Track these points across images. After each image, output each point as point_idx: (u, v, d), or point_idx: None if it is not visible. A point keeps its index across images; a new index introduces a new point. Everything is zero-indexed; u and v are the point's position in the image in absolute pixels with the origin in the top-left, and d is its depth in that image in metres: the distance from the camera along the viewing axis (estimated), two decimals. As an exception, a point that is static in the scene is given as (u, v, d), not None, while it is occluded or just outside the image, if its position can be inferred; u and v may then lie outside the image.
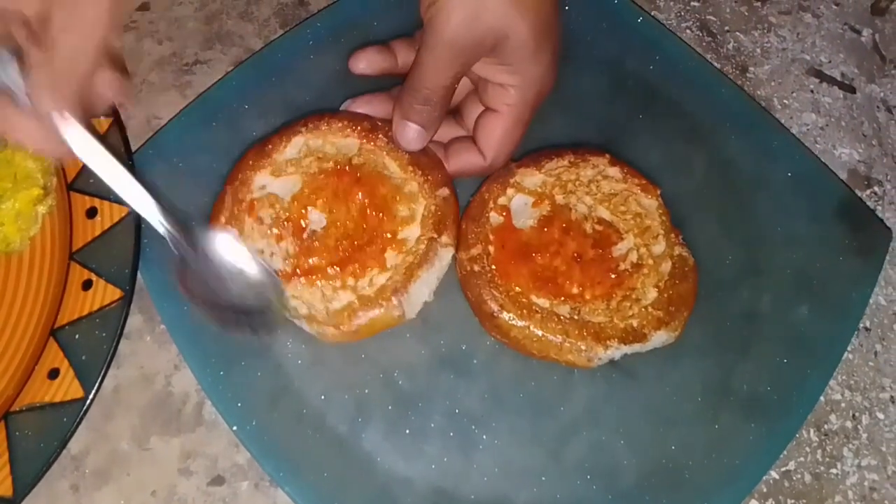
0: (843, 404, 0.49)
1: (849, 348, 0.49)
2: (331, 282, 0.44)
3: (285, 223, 0.45)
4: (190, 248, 0.40)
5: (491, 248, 0.46)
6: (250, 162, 0.46)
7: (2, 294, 0.45)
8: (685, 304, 0.45)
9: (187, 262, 0.40)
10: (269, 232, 0.45)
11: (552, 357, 0.44)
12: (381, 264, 0.44)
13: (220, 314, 0.42)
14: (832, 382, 0.49)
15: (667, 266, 0.46)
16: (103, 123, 0.47)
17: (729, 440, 0.45)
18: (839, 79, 0.59)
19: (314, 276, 0.44)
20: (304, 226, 0.45)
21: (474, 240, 0.46)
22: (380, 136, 0.47)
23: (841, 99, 0.58)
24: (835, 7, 0.61)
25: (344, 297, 0.43)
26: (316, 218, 0.45)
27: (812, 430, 0.48)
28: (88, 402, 0.42)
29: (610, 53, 0.54)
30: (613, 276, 0.45)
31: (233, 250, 0.41)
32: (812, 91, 0.58)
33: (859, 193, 0.54)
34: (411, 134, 0.45)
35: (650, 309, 0.45)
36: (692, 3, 0.60)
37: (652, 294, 0.45)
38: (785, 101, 0.58)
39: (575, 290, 0.45)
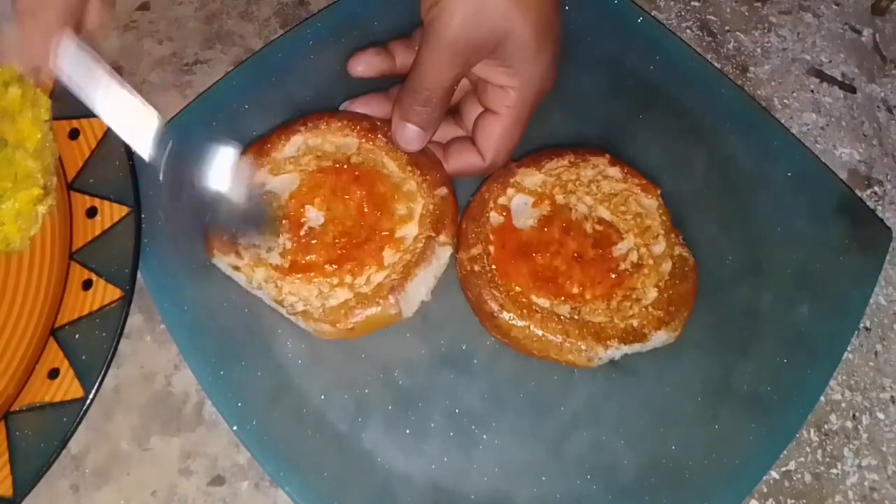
0: (843, 404, 0.49)
1: (849, 348, 0.49)
2: (328, 279, 0.44)
3: (283, 221, 0.45)
4: (183, 168, 0.40)
5: (491, 248, 0.46)
6: (249, 159, 0.46)
7: (2, 294, 0.45)
8: (685, 303, 0.45)
9: (182, 185, 0.40)
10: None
11: (552, 357, 0.44)
12: (378, 262, 0.44)
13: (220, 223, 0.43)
14: (832, 382, 0.49)
15: (667, 266, 0.46)
16: (103, 123, 0.47)
17: (729, 440, 0.45)
18: (839, 79, 0.59)
19: (311, 273, 0.44)
20: (301, 223, 0.45)
21: (474, 239, 0.46)
22: (379, 135, 0.47)
23: (841, 99, 0.58)
24: (835, 7, 0.61)
25: (341, 295, 0.43)
26: (314, 215, 0.45)
27: (812, 430, 0.48)
28: (88, 401, 0.42)
29: (610, 53, 0.54)
30: (613, 275, 0.45)
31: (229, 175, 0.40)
32: (812, 91, 0.58)
33: (859, 193, 0.54)
34: (410, 134, 0.45)
35: (650, 309, 0.45)
36: (692, 3, 0.60)
37: (652, 294, 0.45)
38: (785, 100, 0.58)
39: (575, 290, 0.45)
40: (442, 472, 0.43)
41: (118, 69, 0.53)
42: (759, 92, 0.58)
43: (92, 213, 0.46)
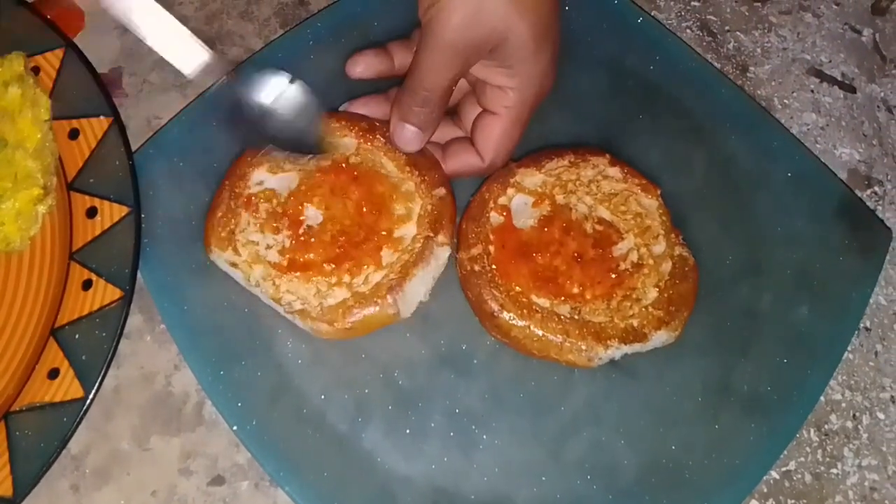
0: (843, 404, 0.49)
1: (849, 348, 0.49)
2: (326, 278, 0.44)
3: (282, 218, 0.45)
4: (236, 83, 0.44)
5: (491, 248, 0.46)
6: (248, 159, 0.47)
7: (2, 294, 0.45)
8: (685, 303, 0.45)
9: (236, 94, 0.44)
10: (265, 226, 0.45)
11: (552, 357, 0.44)
12: (376, 262, 0.44)
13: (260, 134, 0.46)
14: (832, 382, 0.49)
15: (667, 266, 0.46)
16: (103, 123, 0.47)
17: (729, 440, 0.45)
18: (839, 78, 0.59)
19: (310, 272, 0.44)
20: (300, 221, 0.45)
21: (475, 239, 0.46)
22: (377, 136, 0.47)
23: (841, 99, 0.58)
24: (835, 7, 0.61)
25: (339, 294, 0.43)
26: (312, 214, 0.45)
27: (812, 430, 0.48)
28: (88, 401, 0.42)
29: (610, 53, 0.54)
30: (614, 275, 0.45)
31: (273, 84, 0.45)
32: (812, 91, 0.58)
33: (859, 193, 0.54)
34: (409, 135, 0.45)
35: (650, 309, 0.45)
36: (692, 3, 0.60)
37: (652, 294, 0.45)
38: (785, 100, 0.58)
39: (575, 290, 0.45)
40: (442, 472, 0.43)
41: (118, 69, 0.53)
42: (759, 92, 0.58)
43: (92, 213, 0.46)
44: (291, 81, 0.45)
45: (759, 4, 0.61)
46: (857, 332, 0.50)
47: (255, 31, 0.56)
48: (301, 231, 0.45)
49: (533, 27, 0.42)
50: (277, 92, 0.45)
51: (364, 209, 0.45)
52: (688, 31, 0.59)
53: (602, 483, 0.44)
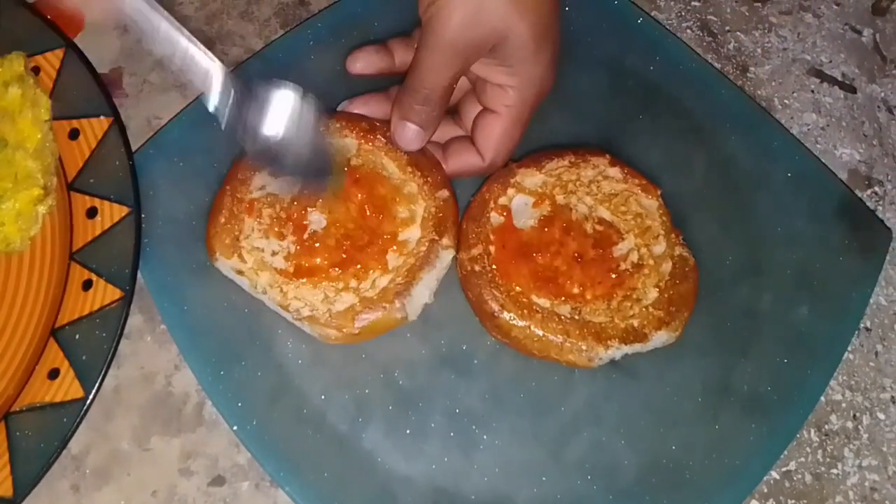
0: (843, 404, 0.49)
1: (849, 348, 0.49)
2: (333, 283, 0.44)
3: (286, 223, 0.45)
4: (254, 105, 0.39)
5: (491, 248, 0.46)
6: (249, 162, 0.46)
7: (2, 294, 0.45)
8: (686, 304, 0.45)
9: (248, 122, 0.39)
10: (269, 231, 0.45)
11: (553, 357, 0.44)
12: (382, 266, 0.44)
13: (276, 167, 0.42)
14: (833, 382, 0.49)
15: (667, 266, 0.46)
16: (103, 123, 0.47)
17: (729, 440, 0.45)
18: (840, 79, 0.59)
19: (316, 277, 0.44)
20: (304, 225, 0.45)
21: (475, 240, 0.46)
22: (378, 136, 0.47)
23: (842, 99, 0.58)
24: (835, 7, 0.61)
25: (346, 299, 0.43)
26: (316, 218, 0.45)
27: (813, 431, 0.48)
28: (88, 402, 0.42)
29: (610, 53, 0.54)
30: (614, 276, 0.45)
31: (294, 110, 0.40)
32: (813, 91, 0.58)
33: (860, 193, 0.54)
34: (410, 134, 0.45)
35: (651, 309, 0.45)
36: (693, 3, 0.60)
37: (652, 294, 0.45)
38: (785, 101, 0.58)
39: (576, 290, 0.45)
40: (442, 472, 0.43)
41: (118, 69, 0.53)
42: (759, 92, 0.58)
43: (92, 213, 0.46)
44: (295, 101, 0.40)
45: (759, 4, 0.61)
46: (857, 333, 0.50)
47: (255, 31, 0.56)
48: (306, 236, 0.45)
49: (533, 27, 0.42)
50: (283, 119, 0.40)
51: (367, 212, 0.45)
52: (688, 31, 0.59)
53: (602, 483, 0.44)
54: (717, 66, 0.56)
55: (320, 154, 0.42)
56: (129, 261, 0.44)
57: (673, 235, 0.47)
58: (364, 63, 0.48)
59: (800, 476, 0.47)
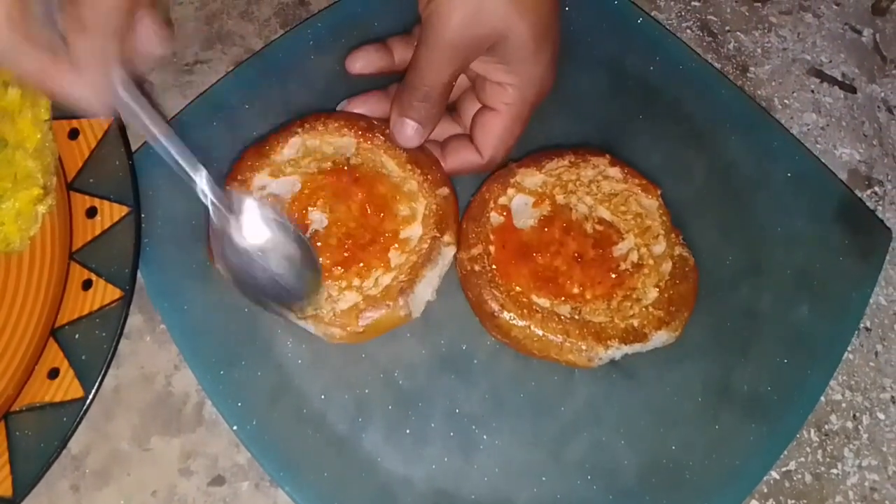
0: (843, 404, 0.49)
1: (849, 348, 0.49)
2: (336, 282, 0.44)
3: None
4: (231, 217, 0.39)
5: (491, 248, 0.46)
6: (248, 163, 0.46)
7: (2, 294, 0.45)
8: (685, 304, 0.45)
9: (227, 232, 0.40)
10: None
11: (553, 357, 0.44)
12: (385, 264, 0.44)
13: (253, 288, 0.42)
14: (833, 383, 0.49)
15: (667, 266, 0.46)
16: (103, 123, 0.47)
17: (729, 440, 0.45)
18: (840, 79, 0.59)
19: None
20: (306, 225, 0.45)
21: (475, 239, 0.46)
22: (377, 135, 0.47)
23: (841, 99, 0.58)
24: (835, 7, 0.61)
25: (350, 298, 0.43)
26: (317, 218, 0.45)
27: (812, 431, 0.48)
28: (88, 401, 0.42)
29: (610, 53, 0.54)
30: (614, 275, 0.45)
31: (273, 221, 0.41)
32: (813, 91, 0.58)
33: (860, 194, 0.54)
34: (409, 131, 0.45)
35: (651, 309, 0.45)
36: (692, 3, 0.60)
37: (652, 294, 0.45)
38: (785, 101, 0.58)
39: (575, 290, 0.45)
40: (442, 472, 0.43)
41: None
42: (759, 92, 0.58)
43: (92, 213, 0.46)
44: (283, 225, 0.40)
45: (759, 4, 0.61)
46: (857, 333, 0.50)
47: (255, 31, 0.56)
48: (308, 236, 0.45)
49: (533, 27, 0.42)
50: (266, 234, 0.40)
51: (368, 211, 0.45)
52: (688, 31, 0.59)
53: (602, 483, 0.44)
54: (717, 66, 0.56)
55: (299, 282, 0.42)
56: (129, 260, 0.44)
57: (673, 235, 0.47)
58: (364, 62, 0.48)
59: (800, 476, 0.47)
